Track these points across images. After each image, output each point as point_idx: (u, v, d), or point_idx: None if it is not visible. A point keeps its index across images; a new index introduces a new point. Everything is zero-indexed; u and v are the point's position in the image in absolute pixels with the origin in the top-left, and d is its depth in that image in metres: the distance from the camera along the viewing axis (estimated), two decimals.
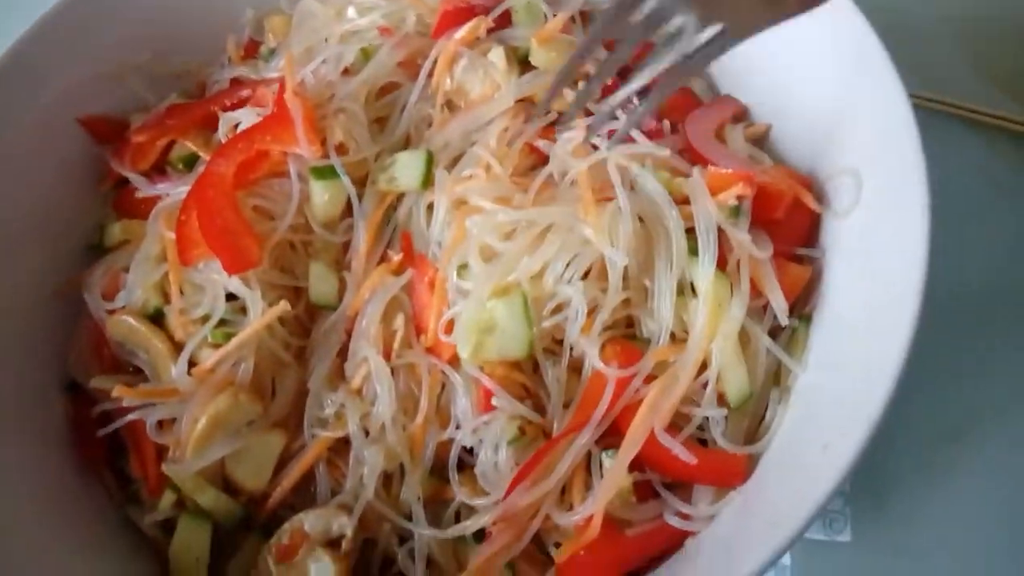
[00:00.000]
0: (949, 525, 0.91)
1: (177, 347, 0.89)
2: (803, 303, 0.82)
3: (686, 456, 0.72)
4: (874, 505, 0.92)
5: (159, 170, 1.03)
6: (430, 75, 0.95)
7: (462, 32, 0.93)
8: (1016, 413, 0.95)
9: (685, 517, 0.74)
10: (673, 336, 0.80)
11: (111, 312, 0.93)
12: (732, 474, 0.74)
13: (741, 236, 0.78)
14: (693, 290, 0.81)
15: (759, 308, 0.81)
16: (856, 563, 0.90)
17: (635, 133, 0.86)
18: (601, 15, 0.76)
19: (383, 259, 0.92)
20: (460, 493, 0.80)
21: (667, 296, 0.79)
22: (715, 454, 0.75)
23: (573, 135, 0.87)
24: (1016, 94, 1.15)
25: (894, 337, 0.63)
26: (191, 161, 1.01)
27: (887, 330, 0.65)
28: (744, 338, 0.79)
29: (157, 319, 0.92)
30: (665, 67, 0.70)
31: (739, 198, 0.80)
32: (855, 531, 0.91)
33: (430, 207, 0.91)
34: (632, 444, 0.73)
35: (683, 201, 0.82)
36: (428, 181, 0.91)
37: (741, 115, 0.96)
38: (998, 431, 0.94)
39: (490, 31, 0.95)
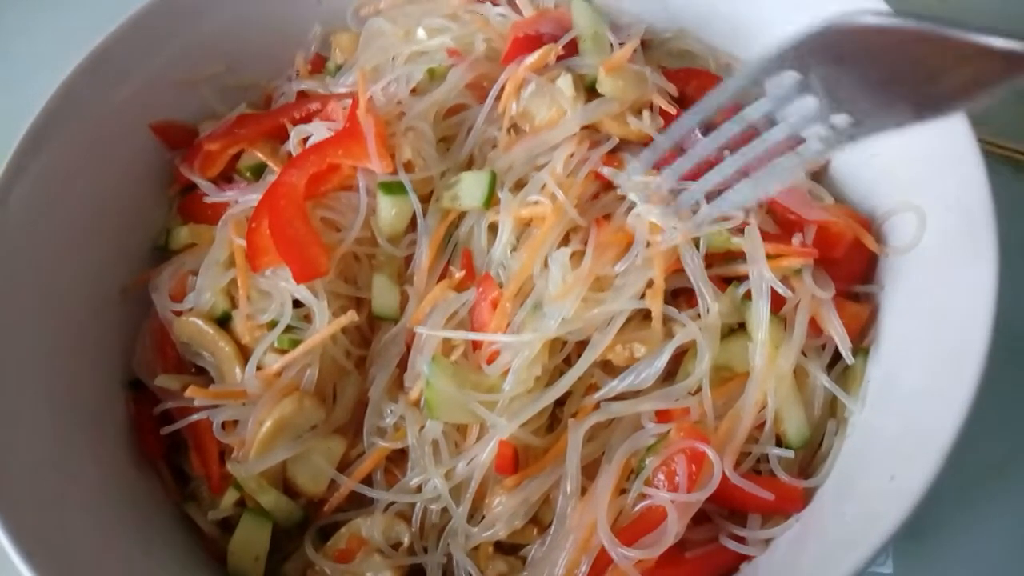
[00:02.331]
0: (990, 560, 0.91)
1: (242, 350, 0.92)
2: (859, 338, 0.84)
3: (764, 494, 0.74)
4: (916, 538, 0.93)
5: (226, 178, 1.06)
6: (497, 98, 0.98)
7: (532, 58, 0.96)
8: None
9: (740, 540, 0.76)
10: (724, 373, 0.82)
11: (178, 313, 0.96)
12: (791, 503, 0.76)
13: (804, 281, 0.80)
14: (742, 327, 0.84)
15: (815, 346, 0.83)
16: None
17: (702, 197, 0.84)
18: (734, 80, 0.72)
19: (444, 275, 0.94)
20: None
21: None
22: (773, 484, 0.77)
23: (648, 212, 0.86)
24: None
25: (963, 370, 0.65)
26: (259, 170, 1.04)
27: (955, 364, 0.66)
28: (801, 376, 0.81)
29: (222, 322, 0.94)
30: (778, 148, 0.69)
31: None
32: (896, 563, 0.92)
33: (491, 227, 0.94)
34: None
35: (740, 254, 0.84)
36: (490, 201, 0.93)
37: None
38: None
39: (558, 58, 0.98)
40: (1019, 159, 1.14)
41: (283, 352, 0.89)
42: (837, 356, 0.83)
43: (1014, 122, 1.18)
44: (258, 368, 0.89)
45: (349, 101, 0.99)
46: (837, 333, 0.81)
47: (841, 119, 0.65)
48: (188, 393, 0.87)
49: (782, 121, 0.69)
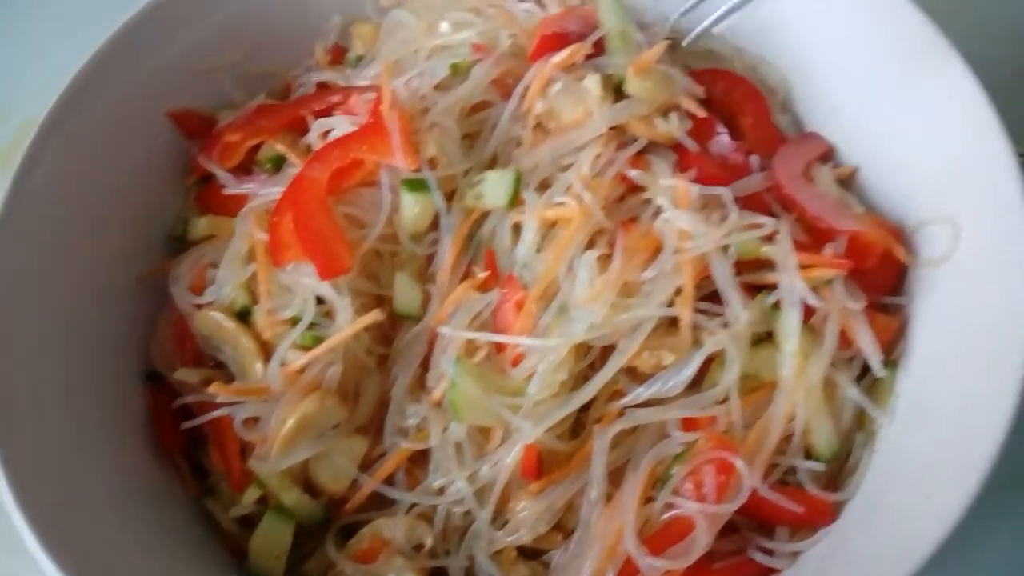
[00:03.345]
0: (1010, 573, 0.92)
1: (262, 346, 0.91)
2: (888, 350, 0.83)
3: (793, 507, 0.73)
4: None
5: (244, 169, 1.05)
6: (523, 96, 0.97)
7: (560, 56, 0.94)
8: None
9: (768, 553, 0.76)
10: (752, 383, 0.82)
11: (198, 306, 0.95)
12: (819, 516, 0.76)
13: (835, 292, 0.80)
14: (770, 336, 0.83)
15: (845, 357, 0.82)
16: None
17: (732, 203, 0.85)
18: None
19: (467, 274, 0.93)
20: None
21: None
22: (801, 496, 0.76)
23: (678, 217, 0.85)
24: None
25: (1001, 387, 0.65)
26: (279, 162, 1.03)
27: (991, 380, 0.66)
28: (830, 387, 0.81)
29: (243, 316, 0.93)
30: None
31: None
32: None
33: (514, 227, 0.93)
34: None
35: (770, 263, 0.84)
36: (515, 201, 0.92)
37: (828, 155, 0.97)
38: None
39: (586, 57, 0.96)
40: None
41: (305, 349, 0.88)
42: (866, 369, 0.82)
43: None
44: (280, 365, 0.88)
45: (371, 95, 0.97)
46: (867, 345, 0.80)
47: None
48: (211, 389, 0.86)
49: None
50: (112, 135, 1.01)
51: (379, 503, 0.88)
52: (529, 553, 0.83)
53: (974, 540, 0.93)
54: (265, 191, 0.97)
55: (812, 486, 0.77)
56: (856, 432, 0.81)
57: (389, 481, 0.87)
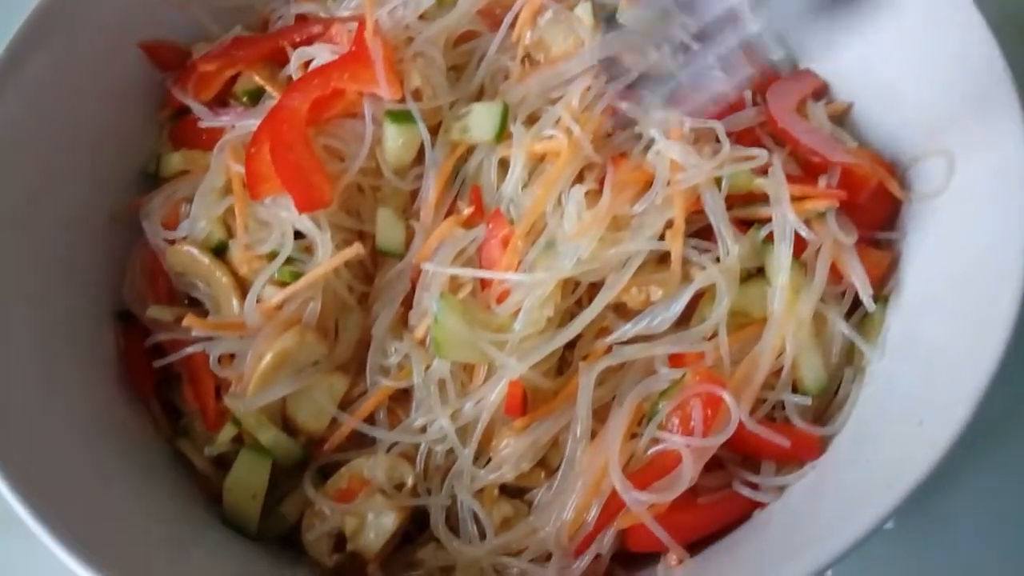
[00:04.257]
0: (991, 519, 0.92)
1: (239, 282, 0.88)
2: (879, 285, 0.82)
3: (780, 440, 0.72)
4: (918, 495, 0.93)
5: (221, 102, 1.01)
6: (511, 26, 0.93)
7: None
8: None
9: (754, 487, 0.75)
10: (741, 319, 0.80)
11: (171, 242, 0.91)
12: (807, 450, 0.75)
13: (827, 225, 0.78)
14: (760, 271, 0.81)
15: (835, 292, 0.81)
16: (897, 552, 0.91)
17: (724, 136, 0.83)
18: None
19: (451, 210, 0.91)
20: None
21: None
22: (789, 431, 0.75)
23: (669, 148, 0.83)
24: None
25: (995, 317, 0.64)
26: (256, 95, 0.99)
27: (986, 308, 0.65)
28: (820, 322, 0.79)
29: (218, 252, 0.90)
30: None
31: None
32: (898, 520, 0.92)
33: (502, 162, 0.90)
34: None
35: (762, 196, 0.81)
36: (502, 135, 0.89)
37: (821, 91, 0.95)
38: None
39: None
40: None
41: (283, 285, 0.85)
42: (856, 303, 0.81)
43: None
44: (257, 301, 0.85)
45: (354, 25, 0.93)
46: (859, 280, 0.79)
47: None
48: (185, 323, 0.83)
49: None
50: (81, 68, 0.96)
51: (359, 442, 0.86)
52: (512, 491, 0.82)
53: (957, 484, 0.93)
54: (242, 123, 0.94)
55: (799, 420, 0.76)
56: (845, 367, 0.80)
57: (370, 420, 0.85)
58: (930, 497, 0.93)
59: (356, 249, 0.84)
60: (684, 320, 0.81)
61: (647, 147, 0.86)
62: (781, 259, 0.78)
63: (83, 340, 0.90)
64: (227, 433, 0.83)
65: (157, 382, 0.92)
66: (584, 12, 0.90)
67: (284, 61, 0.98)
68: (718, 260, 0.80)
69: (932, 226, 0.80)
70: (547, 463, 0.81)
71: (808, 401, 0.77)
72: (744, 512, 0.75)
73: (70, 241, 0.93)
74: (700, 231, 0.83)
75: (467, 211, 0.89)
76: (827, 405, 0.80)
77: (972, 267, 0.71)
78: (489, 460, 0.81)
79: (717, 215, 0.80)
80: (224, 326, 0.84)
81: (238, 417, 0.82)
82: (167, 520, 0.81)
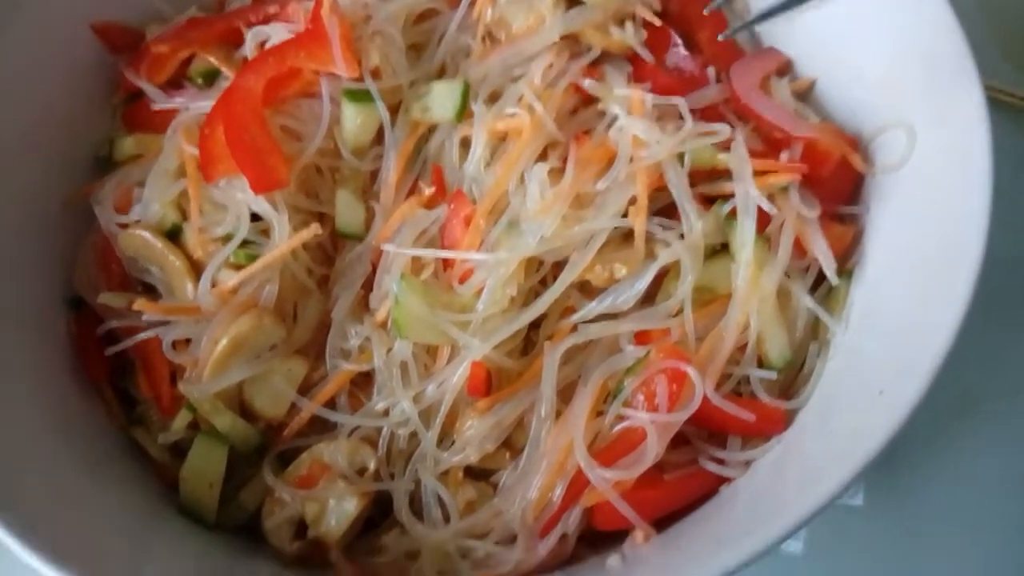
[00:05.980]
0: (962, 494, 0.92)
1: (194, 265, 0.86)
2: (843, 260, 0.81)
3: (745, 415, 0.72)
4: (888, 472, 0.93)
5: (174, 84, 0.98)
6: (472, 4, 0.92)
7: None
8: None
9: (720, 462, 0.74)
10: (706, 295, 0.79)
11: (123, 226, 0.89)
12: (772, 425, 0.74)
13: (790, 199, 0.78)
14: (724, 247, 0.81)
15: (799, 267, 0.81)
16: (868, 527, 0.91)
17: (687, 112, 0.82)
18: None
19: (412, 191, 0.89)
20: None
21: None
22: (755, 406, 0.75)
23: (632, 125, 0.81)
24: None
25: (953, 287, 0.63)
26: (211, 76, 0.97)
27: (946, 282, 0.65)
28: (784, 297, 0.79)
29: (172, 236, 0.88)
30: None
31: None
32: (868, 496, 0.92)
33: (463, 141, 0.88)
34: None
35: (725, 172, 0.81)
36: (463, 114, 0.88)
37: (785, 68, 0.94)
38: (1012, 406, 0.95)
39: None
40: (998, 98, 1.12)
41: (239, 267, 0.83)
42: (820, 278, 0.81)
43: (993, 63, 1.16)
44: (212, 284, 0.83)
45: (311, 4, 0.91)
46: (822, 254, 0.78)
47: None
48: (136, 306, 0.81)
49: None
50: (30, 51, 0.93)
51: (320, 427, 0.84)
52: (477, 474, 0.80)
53: (927, 461, 0.93)
54: (196, 104, 0.92)
55: (765, 395, 0.76)
56: (810, 341, 0.79)
57: (330, 404, 0.83)
58: (901, 474, 0.94)
59: (314, 230, 0.83)
60: (649, 298, 0.80)
61: (610, 124, 0.85)
62: (745, 234, 0.78)
63: (34, 327, 0.87)
64: (182, 420, 0.81)
65: (111, 370, 0.89)
66: None
67: (240, 42, 0.96)
68: (682, 237, 0.79)
69: (894, 200, 0.80)
70: (512, 444, 0.80)
71: (773, 375, 0.77)
72: (711, 488, 0.74)
73: (21, 227, 0.90)
74: (664, 208, 0.82)
75: (428, 191, 0.87)
76: (792, 379, 0.79)
77: (933, 239, 0.71)
78: (453, 443, 0.80)
79: (680, 191, 0.79)
80: (177, 310, 0.82)
81: (193, 403, 0.80)
82: (123, 511, 0.79)
